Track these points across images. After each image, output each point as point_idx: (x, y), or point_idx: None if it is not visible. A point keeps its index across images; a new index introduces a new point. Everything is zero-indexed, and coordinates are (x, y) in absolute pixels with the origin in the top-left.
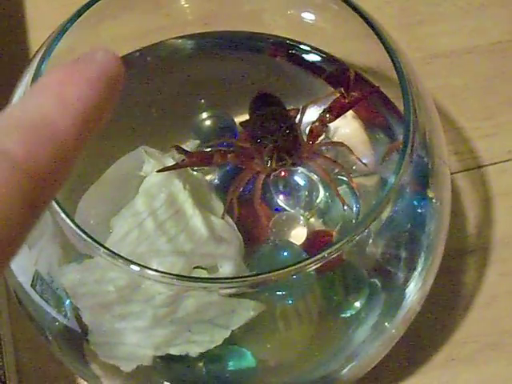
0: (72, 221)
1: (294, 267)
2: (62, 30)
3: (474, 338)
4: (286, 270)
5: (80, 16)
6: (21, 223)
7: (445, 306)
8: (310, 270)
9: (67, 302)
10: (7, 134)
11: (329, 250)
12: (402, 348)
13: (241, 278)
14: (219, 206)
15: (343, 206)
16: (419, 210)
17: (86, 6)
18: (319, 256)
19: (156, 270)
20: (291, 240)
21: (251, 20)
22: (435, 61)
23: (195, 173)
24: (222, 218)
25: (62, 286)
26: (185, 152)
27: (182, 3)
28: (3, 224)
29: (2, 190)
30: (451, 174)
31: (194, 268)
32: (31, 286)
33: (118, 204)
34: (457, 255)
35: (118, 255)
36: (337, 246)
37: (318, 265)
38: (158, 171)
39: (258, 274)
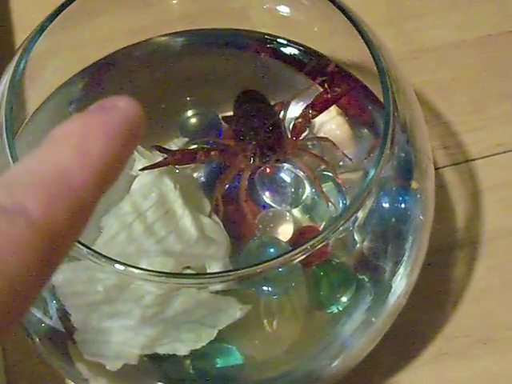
0: None
1: (279, 259)
2: (40, 30)
3: (464, 333)
4: (271, 262)
5: (58, 15)
6: (35, 281)
7: (435, 301)
8: (295, 261)
9: (52, 303)
10: (24, 190)
11: (312, 242)
12: (393, 343)
13: (226, 272)
14: (206, 204)
15: (327, 203)
16: (403, 203)
17: (64, 5)
18: (304, 247)
19: (140, 268)
20: (278, 236)
21: (237, 17)
22: (423, 55)
23: (188, 171)
24: (210, 216)
25: (47, 287)
26: (166, 151)
27: (168, 1)
28: (18, 282)
29: (18, 249)
30: (440, 168)
31: (183, 269)
32: None
33: (106, 203)
34: (446, 250)
35: (102, 255)
36: (320, 237)
37: (303, 256)
38: (141, 169)
39: (244, 268)
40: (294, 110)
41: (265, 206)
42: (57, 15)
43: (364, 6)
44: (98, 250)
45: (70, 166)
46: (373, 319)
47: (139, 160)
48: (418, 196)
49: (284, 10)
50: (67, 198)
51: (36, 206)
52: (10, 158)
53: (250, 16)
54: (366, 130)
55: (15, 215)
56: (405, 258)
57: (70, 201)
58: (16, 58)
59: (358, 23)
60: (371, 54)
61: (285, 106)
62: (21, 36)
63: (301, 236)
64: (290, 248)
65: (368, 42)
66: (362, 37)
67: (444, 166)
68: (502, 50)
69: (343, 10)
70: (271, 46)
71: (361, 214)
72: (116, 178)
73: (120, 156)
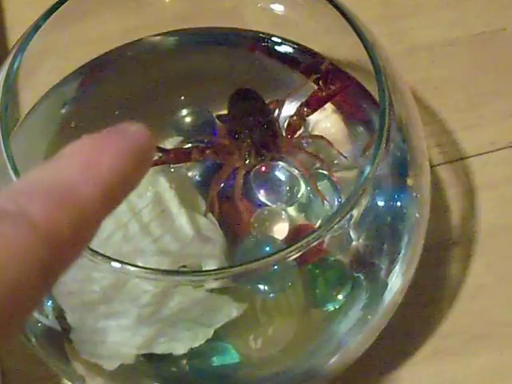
0: None
1: (274, 256)
2: (34, 29)
3: (460, 330)
4: (266, 259)
5: (52, 13)
6: (35, 289)
7: (431, 299)
8: (291, 259)
9: (48, 302)
10: (27, 196)
11: (307, 239)
12: (389, 341)
13: (222, 269)
14: (201, 203)
15: (323, 201)
16: (398, 201)
17: (59, 4)
18: (299, 244)
19: (136, 266)
20: (273, 235)
21: (230, 16)
22: (416, 53)
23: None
24: (205, 215)
25: None
26: (161, 150)
27: (161, 0)
28: (17, 289)
29: (18, 253)
30: (434, 166)
31: (179, 267)
32: None
33: None
34: (441, 247)
35: (98, 253)
36: (315, 234)
37: (298, 254)
38: None
39: (239, 265)
40: (289, 108)
41: (260, 205)
42: (51, 14)
43: (357, 3)
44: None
45: (76, 178)
46: (369, 317)
47: None
48: (414, 194)
49: (278, 8)
50: (71, 207)
51: (38, 210)
52: (5, 157)
53: (243, 15)
54: (360, 128)
55: (17, 218)
56: (400, 255)
57: (73, 211)
58: (10, 57)
59: (353, 21)
60: (367, 51)
61: (279, 104)
62: (14, 36)
63: (296, 234)
64: (286, 246)
65: (363, 40)
66: (358, 35)
67: (439, 164)
68: (495, 47)
69: (338, 7)
70: (265, 44)
71: (356, 212)
72: (124, 197)
73: (129, 176)
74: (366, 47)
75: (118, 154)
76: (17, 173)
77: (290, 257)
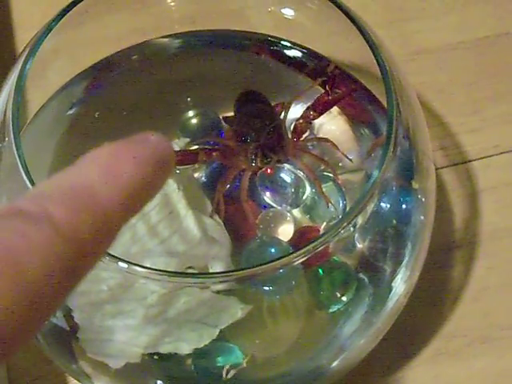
0: None
1: (280, 261)
2: (47, 30)
3: (462, 332)
4: (272, 263)
5: (65, 15)
6: (56, 290)
7: (433, 301)
8: (297, 263)
9: None
10: (49, 200)
11: (314, 244)
12: (391, 342)
13: (228, 272)
14: (207, 205)
15: (327, 204)
16: (404, 204)
17: (72, 5)
18: (305, 249)
19: (143, 266)
20: (278, 237)
21: (236, 18)
22: (420, 57)
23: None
24: (211, 217)
25: None
26: None
27: (168, 2)
28: (40, 289)
29: (42, 254)
30: (437, 169)
31: (186, 269)
32: None
33: None
34: (444, 250)
35: (105, 252)
36: (321, 239)
37: (304, 258)
38: None
39: (245, 269)
40: (295, 111)
41: (265, 207)
42: (63, 15)
43: (362, 8)
44: None
45: (96, 182)
46: (373, 319)
47: None
48: (419, 197)
49: (284, 11)
50: (92, 212)
51: (61, 213)
52: (17, 157)
53: (249, 17)
54: (366, 131)
55: (40, 220)
56: (405, 258)
57: (94, 215)
58: (22, 58)
59: (360, 24)
60: (374, 55)
61: (285, 106)
62: (21, 36)
63: (301, 236)
64: (291, 248)
65: (371, 44)
66: (365, 38)
67: (442, 167)
68: (499, 51)
69: (345, 11)
70: (272, 47)
71: (362, 216)
72: (144, 204)
73: (149, 185)
74: (373, 51)
75: (139, 163)
76: (27, 172)
77: (296, 261)
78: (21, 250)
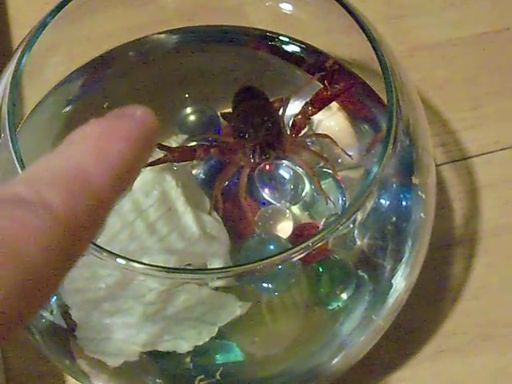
0: None
1: (279, 256)
2: (43, 24)
3: (462, 330)
4: (271, 259)
5: (61, 10)
6: (54, 274)
7: (433, 298)
8: (295, 259)
9: (53, 298)
10: (45, 185)
11: (313, 240)
12: (392, 340)
13: (227, 268)
14: (206, 202)
15: (326, 200)
16: (404, 201)
17: (67, 0)
18: (304, 245)
19: (141, 263)
20: (277, 233)
21: (234, 14)
22: (419, 53)
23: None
24: (210, 213)
25: None
26: (166, 148)
27: None
28: (39, 274)
29: (41, 241)
30: (437, 165)
31: (185, 266)
32: None
33: None
34: (444, 247)
35: (104, 249)
36: (320, 235)
37: (303, 254)
38: None
39: (243, 264)
40: (294, 106)
41: (264, 203)
42: (59, 11)
43: (361, 3)
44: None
45: (90, 165)
46: (373, 317)
47: None
48: (420, 194)
49: (283, 6)
50: (86, 193)
51: (57, 199)
52: (13, 153)
53: (247, 13)
54: (365, 127)
55: (37, 206)
56: (405, 255)
57: (89, 196)
58: (18, 53)
59: (360, 19)
60: (374, 50)
61: (284, 102)
62: (17, 32)
63: (300, 233)
64: (290, 245)
65: (371, 39)
66: (365, 33)
67: (442, 164)
68: (498, 47)
69: (345, 5)
70: (270, 42)
71: (362, 213)
72: (131, 180)
73: (136, 160)
74: (373, 46)
75: (127, 139)
76: (23, 168)
77: (295, 257)
78: (20, 237)
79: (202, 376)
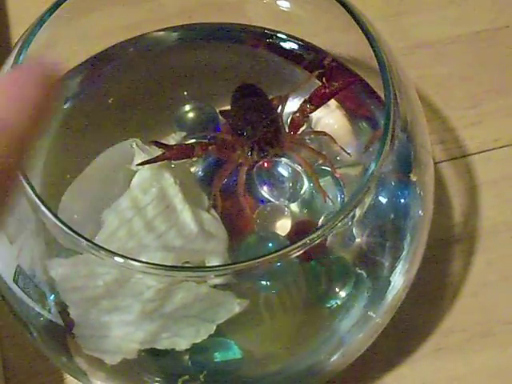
0: (54, 215)
1: (277, 253)
2: (41, 21)
3: (462, 327)
4: (269, 256)
5: (59, 7)
6: None
7: (432, 296)
8: (294, 256)
9: (51, 296)
10: None
11: (310, 237)
12: (391, 337)
13: (225, 265)
14: (204, 199)
15: (325, 198)
16: (402, 198)
17: None
18: (302, 242)
19: (139, 261)
20: (276, 231)
21: (232, 11)
22: (419, 51)
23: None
24: (208, 211)
25: (45, 281)
26: (164, 146)
27: None
28: None
29: None
30: (437, 163)
31: (183, 263)
32: (13, 280)
33: (103, 198)
34: (443, 244)
35: (101, 247)
36: (318, 232)
37: (301, 251)
38: (138, 164)
39: (242, 262)
40: (292, 104)
41: (263, 201)
42: (56, 9)
43: (359, 1)
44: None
45: (4, 110)
46: (372, 314)
47: (138, 155)
48: (418, 191)
49: (282, 3)
50: (4, 135)
51: None
52: None
53: (247, 10)
54: (363, 124)
55: None
56: (404, 252)
57: (7, 137)
58: (15, 51)
59: (358, 17)
60: (372, 48)
61: (282, 100)
62: (17, 31)
63: (299, 230)
64: (289, 243)
65: (369, 36)
66: (363, 31)
67: (441, 161)
68: (498, 44)
69: (343, 3)
70: (269, 40)
71: (360, 210)
72: (47, 121)
73: (44, 102)
74: (371, 44)
75: (32, 86)
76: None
77: (292, 254)
78: None
79: (186, 377)
